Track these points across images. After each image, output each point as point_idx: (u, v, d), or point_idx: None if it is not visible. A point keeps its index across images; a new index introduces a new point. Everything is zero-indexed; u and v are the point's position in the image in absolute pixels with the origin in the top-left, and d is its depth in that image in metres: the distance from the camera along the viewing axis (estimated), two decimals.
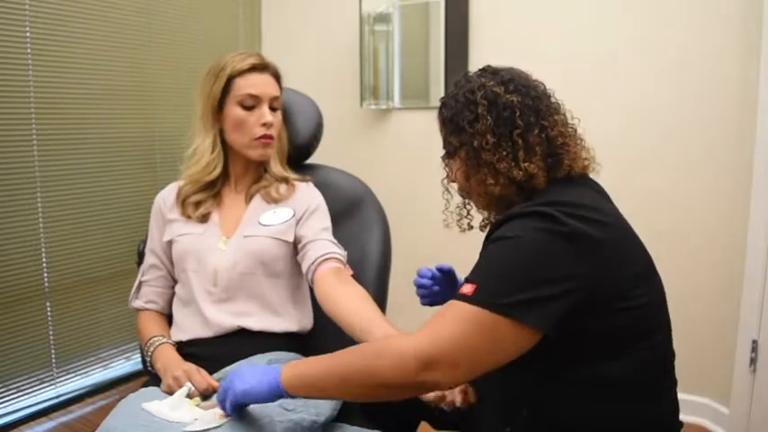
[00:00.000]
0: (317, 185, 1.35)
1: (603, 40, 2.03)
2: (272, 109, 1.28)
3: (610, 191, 1.01)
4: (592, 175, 1.01)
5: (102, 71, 2.08)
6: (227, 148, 1.30)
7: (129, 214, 2.19)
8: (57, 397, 2.05)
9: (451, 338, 0.81)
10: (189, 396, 1.06)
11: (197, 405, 1.04)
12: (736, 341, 1.83)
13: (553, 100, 0.99)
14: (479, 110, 0.94)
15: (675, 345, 0.97)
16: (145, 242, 1.35)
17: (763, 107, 1.71)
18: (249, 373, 0.93)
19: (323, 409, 1.09)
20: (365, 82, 2.44)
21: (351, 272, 1.21)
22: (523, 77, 0.99)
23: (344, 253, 1.23)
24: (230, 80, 1.24)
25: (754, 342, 1.77)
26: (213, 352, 1.18)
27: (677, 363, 0.98)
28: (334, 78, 2.54)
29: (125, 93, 2.17)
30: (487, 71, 1.00)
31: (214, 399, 1.07)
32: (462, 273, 1.25)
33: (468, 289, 0.83)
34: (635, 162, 1.99)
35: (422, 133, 2.37)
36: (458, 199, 1.09)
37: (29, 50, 1.88)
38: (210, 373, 1.12)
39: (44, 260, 1.97)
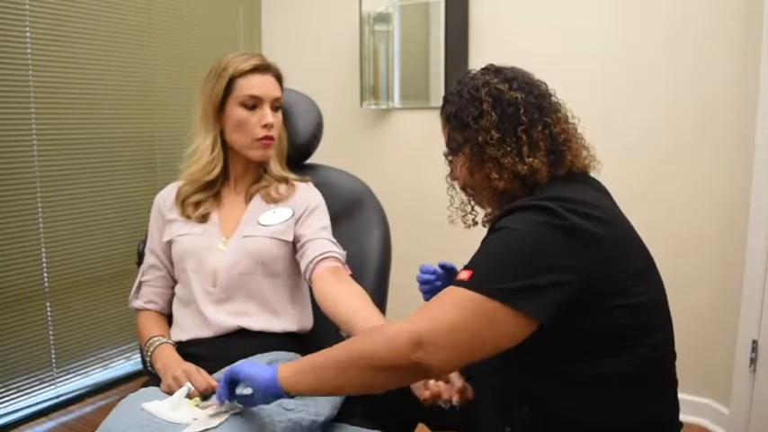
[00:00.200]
0: (317, 185, 1.35)
1: (603, 41, 2.03)
2: (274, 109, 1.28)
3: (608, 189, 1.01)
4: (593, 174, 1.02)
5: (102, 71, 2.08)
6: (227, 149, 1.30)
7: (129, 214, 2.19)
8: (57, 397, 2.05)
9: (448, 321, 0.81)
10: (189, 396, 1.05)
11: (197, 405, 1.03)
12: (736, 341, 1.83)
13: (554, 99, 1.01)
14: (484, 106, 0.95)
15: (675, 345, 0.97)
16: (145, 242, 1.35)
17: (763, 107, 1.71)
18: (249, 364, 0.95)
19: (322, 408, 1.09)
20: (365, 82, 2.44)
21: (349, 271, 1.21)
22: (526, 76, 1.01)
23: (343, 252, 1.23)
24: (232, 80, 1.24)
25: (754, 342, 1.77)
26: (213, 352, 1.18)
27: (677, 363, 0.98)
28: (334, 78, 2.54)
29: (125, 93, 2.17)
30: (490, 69, 1.02)
31: (214, 399, 1.07)
32: None
33: (465, 275, 0.84)
34: (634, 162, 1.99)
35: (422, 133, 2.37)
36: (463, 195, 1.10)
37: (29, 50, 1.88)
38: (210, 373, 1.12)
39: (44, 260, 1.97)
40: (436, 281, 1.21)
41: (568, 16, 2.07)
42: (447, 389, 1.02)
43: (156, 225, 1.32)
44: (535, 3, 2.13)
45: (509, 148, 0.94)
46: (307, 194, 1.31)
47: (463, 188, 1.06)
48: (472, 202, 1.10)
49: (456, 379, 1.02)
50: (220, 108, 1.26)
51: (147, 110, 2.26)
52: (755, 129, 1.74)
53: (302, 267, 1.22)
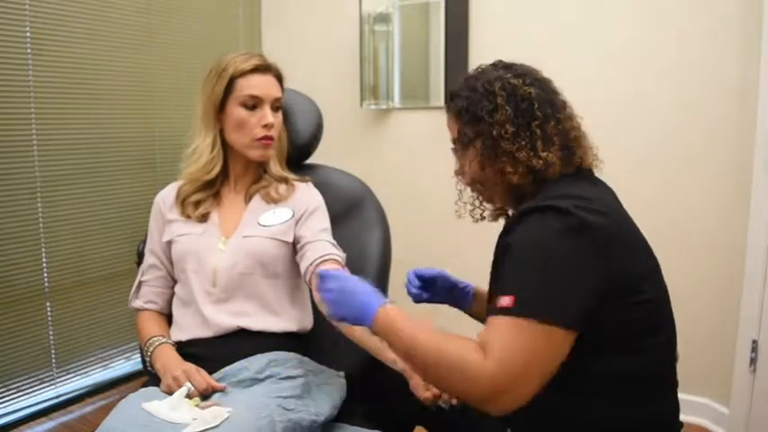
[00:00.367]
0: (317, 185, 1.35)
1: (603, 40, 2.03)
2: (274, 110, 1.28)
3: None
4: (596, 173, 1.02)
5: (102, 71, 2.08)
6: (226, 148, 1.30)
7: (129, 214, 2.19)
8: (57, 397, 2.05)
9: (521, 360, 0.80)
10: (188, 396, 1.06)
11: (197, 405, 1.03)
12: (736, 341, 1.83)
13: (561, 97, 1.01)
14: (498, 100, 0.95)
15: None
16: (145, 242, 1.35)
17: (763, 107, 1.71)
18: (354, 288, 0.94)
19: (322, 408, 1.09)
20: (365, 82, 2.44)
21: (349, 273, 1.21)
22: (536, 72, 1.01)
23: (343, 255, 1.23)
24: (232, 80, 1.24)
25: (754, 342, 1.77)
26: (213, 352, 1.18)
27: (677, 362, 0.98)
28: (334, 78, 2.54)
29: (125, 93, 2.17)
30: (499, 65, 1.02)
31: (214, 398, 1.07)
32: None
33: (508, 302, 0.82)
34: (634, 162, 1.99)
35: (422, 133, 2.37)
36: (468, 190, 1.09)
37: (29, 50, 1.88)
38: (210, 373, 1.12)
39: (44, 260, 1.97)
40: (422, 294, 1.20)
41: (568, 16, 2.07)
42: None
43: (155, 225, 1.32)
44: (535, 3, 2.13)
45: (523, 143, 0.94)
46: (307, 195, 1.31)
47: (471, 183, 1.05)
48: (480, 198, 1.09)
49: None
50: (220, 108, 1.26)
51: (147, 110, 2.26)
52: (755, 129, 1.74)
53: (302, 269, 1.22)
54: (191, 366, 1.12)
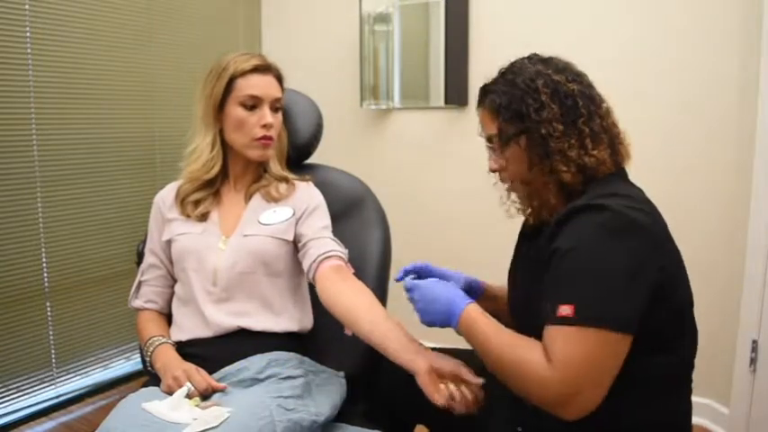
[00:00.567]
0: (317, 185, 1.35)
1: (603, 40, 2.03)
2: (274, 110, 1.28)
3: None
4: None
5: (102, 71, 2.08)
6: (226, 148, 1.30)
7: (129, 214, 2.19)
8: (57, 397, 2.05)
9: (579, 368, 0.81)
10: (189, 396, 1.06)
11: (197, 405, 1.03)
12: (736, 341, 1.83)
13: (597, 91, 1.00)
14: (543, 98, 0.94)
15: None
16: (144, 242, 1.35)
17: (763, 107, 1.71)
18: (438, 293, 0.99)
19: (322, 408, 1.09)
20: (365, 82, 2.44)
21: (352, 270, 1.21)
22: (572, 65, 1.00)
23: (346, 251, 1.23)
24: (232, 80, 1.24)
25: (754, 342, 1.77)
26: (213, 352, 1.18)
27: None
28: (334, 78, 2.55)
29: (125, 93, 2.17)
30: (535, 59, 1.00)
31: (214, 399, 1.07)
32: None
33: (568, 311, 0.82)
34: (634, 162, 1.98)
35: (422, 133, 2.37)
36: (503, 187, 1.06)
37: (29, 50, 1.88)
38: (210, 373, 1.12)
39: (44, 260, 1.97)
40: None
41: (568, 16, 2.07)
42: (462, 393, 0.94)
43: (155, 224, 1.32)
44: (535, 3, 2.13)
45: (573, 141, 0.93)
46: (307, 194, 1.31)
47: (514, 182, 1.02)
48: (519, 196, 1.05)
49: (473, 378, 0.95)
50: (220, 108, 1.26)
51: (147, 110, 2.26)
52: (755, 129, 1.73)
53: (305, 267, 1.22)
54: (191, 366, 1.12)
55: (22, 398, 1.96)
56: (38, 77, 1.90)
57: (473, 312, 0.94)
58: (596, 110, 0.96)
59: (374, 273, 1.36)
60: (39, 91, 1.91)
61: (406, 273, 1.14)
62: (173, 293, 1.31)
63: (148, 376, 1.24)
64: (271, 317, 1.23)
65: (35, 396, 2.00)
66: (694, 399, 0.98)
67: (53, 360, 2.03)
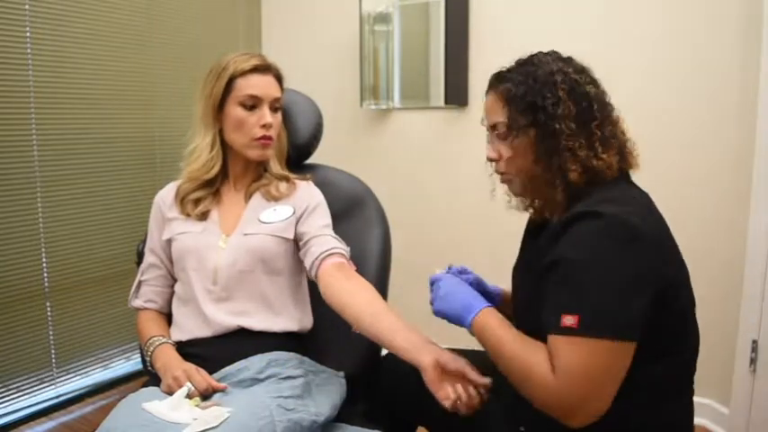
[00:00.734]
0: (318, 185, 1.35)
1: (603, 40, 2.03)
2: (273, 110, 1.28)
3: None
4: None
5: (102, 71, 2.08)
6: (226, 148, 1.30)
7: (129, 214, 2.19)
8: (57, 397, 2.05)
9: (584, 378, 0.82)
10: (189, 396, 1.06)
11: (197, 405, 1.03)
12: (736, 341, 1.83)
13: (609, 98, 1.00)
14: (560, 94, 0.93)
15: None
16: (144, 242, 1.35)
17: (763, 107, 1.71)
18: (460, 290, 1.02)
19: (322, 408, 1.09)
20: (365, 82, 2.43)
21: (354, 267, 1.21)
22: (589, 70, 1.00)
23: (347, 249, 1.23)
24: (232, 80, 1.24)
25: (754, 342, 1.77)
26: (213, 352, 1.18)
27: None
28: (334, 78, 2.54)
29: (125, 93, 2.17)
30: (554, 56, 1.00)
31: (214, 399, 1.07)
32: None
33: (572, 321, 0.82)
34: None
35: (422, 133, 2.37)
36: (497, 177, 1.05)
37: (29, 50, 1.88)
38: (210, 373, 1.12)
39: (44, 260, 1.97)
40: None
41: (568, 16, 2.07)
42: (469, 394, 0.93)
43: (155, 224, 1.32)
44: (535, 3, 2.13)
45: (583, 141, 0.93)
46: (307, 193, 1.31)
47: (517, 173, 1.00)
48: (516, 189, 1.04)
49: (479, 378, 0.94)
50: (220, 107, 1.26)
51: (147, 110, 2.26)
52: (755, 129, 1.73)
53: (307, 264, 1.22)
54: (191, 366, 1.12)
55: (22, 398, 1.96)
56: (38, 77, 1.90)
57: (489, 315, 0.95)
58: (609, 116, 0.97)
59: (374, 272, 1.36)
60: (39, 91, 1.91)
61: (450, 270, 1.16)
62: (173, 293, 1.31)
63: (148, 376, 1.24)
64: (271, 316, 1.23)
65: (35, 396, 1.99)
66: (695, 399, 0.98)
67: (53, 360, 2.03)
